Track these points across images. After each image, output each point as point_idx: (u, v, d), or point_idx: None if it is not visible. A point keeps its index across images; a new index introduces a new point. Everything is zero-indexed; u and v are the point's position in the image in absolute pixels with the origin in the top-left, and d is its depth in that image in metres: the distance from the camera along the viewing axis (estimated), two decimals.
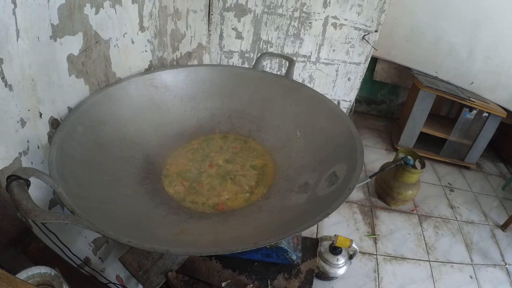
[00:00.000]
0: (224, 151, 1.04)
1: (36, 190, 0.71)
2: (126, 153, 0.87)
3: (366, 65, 2.14)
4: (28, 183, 0.54)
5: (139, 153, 0.91)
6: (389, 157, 2.64)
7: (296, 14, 1.80)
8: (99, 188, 0.72)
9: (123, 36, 0.95)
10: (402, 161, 1.88)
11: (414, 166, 1.94)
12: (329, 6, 1.81)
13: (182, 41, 1.34)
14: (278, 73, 1.98)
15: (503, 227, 2.15)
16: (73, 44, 0.76)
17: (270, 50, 1.89)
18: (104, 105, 0.86)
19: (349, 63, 2.09)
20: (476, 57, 2.38)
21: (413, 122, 2.56)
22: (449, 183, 2.51)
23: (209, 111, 1.11)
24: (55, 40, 0.71)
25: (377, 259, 1.79)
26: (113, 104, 0.89)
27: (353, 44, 2.00)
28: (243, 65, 1.89)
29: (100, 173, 0.76)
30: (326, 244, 1.53)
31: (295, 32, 1.87)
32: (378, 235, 1.94)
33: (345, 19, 1.89)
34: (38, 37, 0.66)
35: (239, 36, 1.79)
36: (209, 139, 1.08)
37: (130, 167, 0.86)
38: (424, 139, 2.63)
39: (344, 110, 2.30)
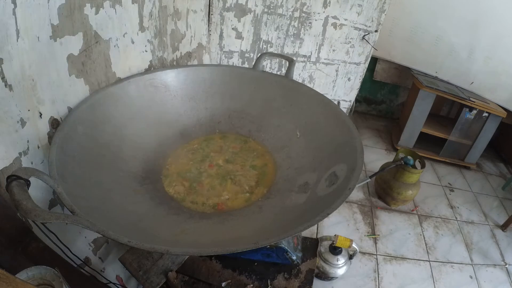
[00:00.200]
0: (224, 151, 1.04)
1: (36, 190, 0.71)
2: (126, 153, 0.87)
3: (366, 65, 2.14)
4: (28, 183, 0.54)
5: (139, 153, 0.91)
6: (389, 157, 2.64)
7: (296, 14, 1.80)
8: (99, 188, 0.72)
9: (123, 36, 0.95)
10: (402, 161, 1.88)
11: (414, 166, 1.94)
12: (329, 6, 1.81)
13: (182, 41, 1.34)
14: (278, 73, 1.98)
15: (503, 227, 2.15)
16: (73, 44, 0.77)
17: (270, 50, 1.89)
18: (104, 105, 0.86)
19: (349, 63, 2.09)
20: (476, 57, 2.38)
21: (413, 122, 2.56)
22: (449, 183, 2.51)
23: (209, 111, 1.11)
24: (55, 40, 0.71)
25: (377, 259, 1.79)
26: (113, 104, 0.89)
27: (353, 44, 2.00)
28: (243, 65, 1.88)
29: (100, 173, 0.76)
30: (326, 244, 1.53)
31: (295, 32, 1.87)
32: (378, 235, 1.94)
33: (345, 19, 1.89)
34: (38, 37, 0.66)
35: (239, 36, 1.79)
36: (209, 139, 1.08)
37: (130, 167, 0.86)
38: (424, 139, 2.63)
39: (344, 110, 2.31)
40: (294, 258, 1.01)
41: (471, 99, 2.35)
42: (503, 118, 2.37)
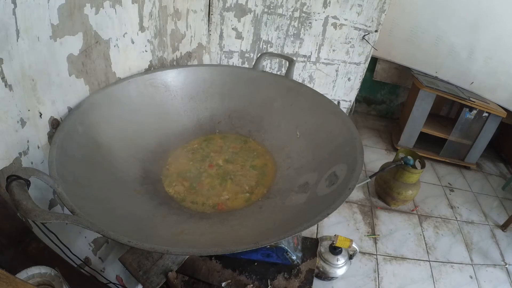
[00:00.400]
0: (224, 151, 1.04)
1: (36, 190, 0.71)
2: (126, 153, 0.87)
3: (366, 65, 2.14)
4: (28, 183, 0.54)
5: (139, 153, 0.91)
6: (389, 157, 2.64)
7: (296, 14, 1.80)
8: (99, 188, 0.72)
9: (123, 36, 0.95)
10: (402, 161, 1.88)
11: (414, 166, 1.94)
12: (329, 6, 1.81)
13: (182, 41, 1.34)
14: (278, 73, 1.98)
15: (503, 227, 2.15)
16: (73, 44, 0.76)
17: (270, 50, 1.89)
18: (104, 105, 0.86)
19: (349, 63, 2.09)
20: (476, 57, 2.38)
21: (413, 122, 2.56)
22: (449, 183, 2.51)
23: (209, 111, 1.11)
24: (55, 40, 0.71)
25: (377, 259, 1.79)
26: (113, 104, 0.89)
27: (353, 44, 2.00)
28: (243, 65, 1.88)
29: (100, 173, 0.76)
30: (326, 244, 1.53)
31: (295, 32, 1.87)
32: (378, 235, 1.94)
33: (345, 19, 1.89)
34: (38, 37, 0.66)
35: (239, 36, 1.79)
36: (209, 139, 1.08)
37: (130, 167, 0.86)
38: (424, 139, 2.63)
39: (344, 110, 2.31)
40: (294, 258, 1.01)
41: (471, 99, 2.35)
42: (503, 118, 2.37)
